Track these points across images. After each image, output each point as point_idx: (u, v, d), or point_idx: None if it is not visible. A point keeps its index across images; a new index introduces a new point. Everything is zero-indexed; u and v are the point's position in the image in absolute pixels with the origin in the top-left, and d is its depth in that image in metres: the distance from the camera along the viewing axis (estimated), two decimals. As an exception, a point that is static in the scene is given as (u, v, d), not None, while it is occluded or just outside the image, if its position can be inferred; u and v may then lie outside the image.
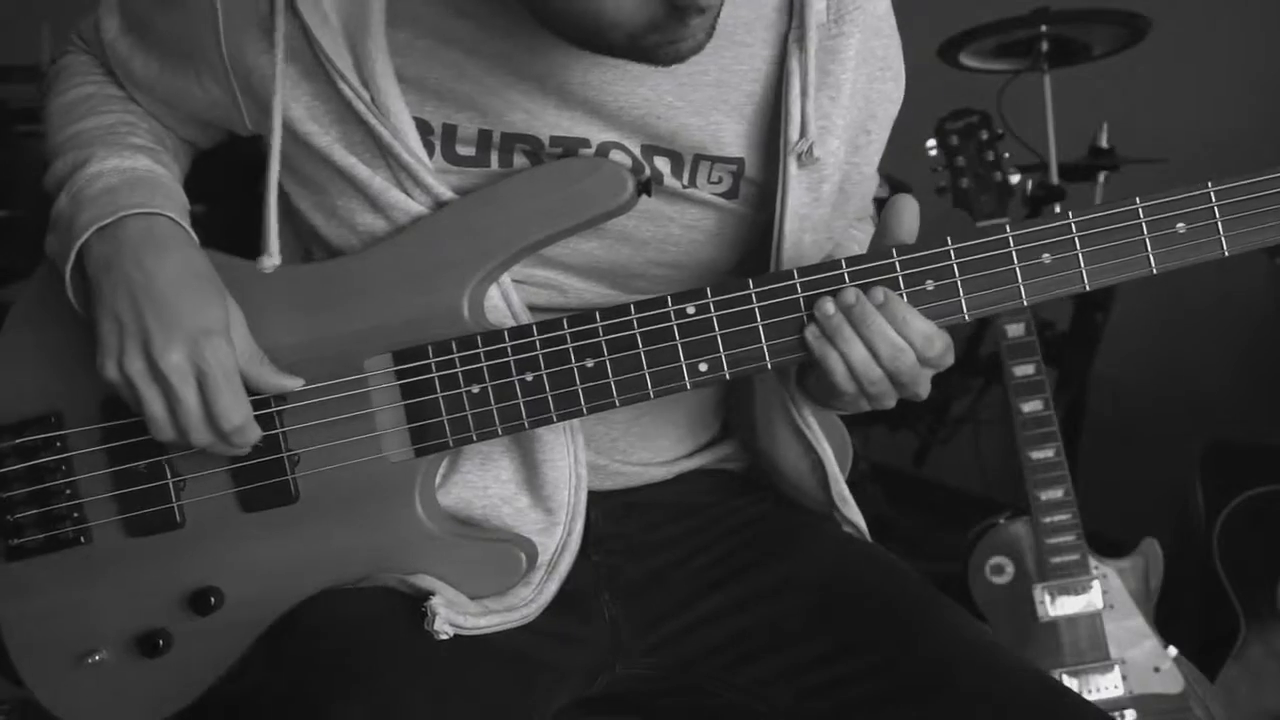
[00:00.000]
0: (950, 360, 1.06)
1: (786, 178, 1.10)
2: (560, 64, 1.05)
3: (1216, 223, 1.02)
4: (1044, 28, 2.74)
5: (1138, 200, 1.02)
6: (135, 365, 1.04)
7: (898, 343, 1.03)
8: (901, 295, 1.03)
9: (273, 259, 1.11)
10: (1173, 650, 2.01)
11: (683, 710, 1.19)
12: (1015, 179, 2.09)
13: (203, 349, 1.04)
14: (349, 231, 1.11)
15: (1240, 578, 2.13)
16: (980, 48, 2.85)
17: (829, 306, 1.03)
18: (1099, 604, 2.02)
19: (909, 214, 1.06)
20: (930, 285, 1.04)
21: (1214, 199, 1.02)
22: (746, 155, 1.13)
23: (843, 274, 1.04)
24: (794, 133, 1.09)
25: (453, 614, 1.04)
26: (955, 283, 1.04)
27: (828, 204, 1.13)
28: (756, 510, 1.26)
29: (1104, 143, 2.87)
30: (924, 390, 1.07)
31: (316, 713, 0.97)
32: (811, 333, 1.04)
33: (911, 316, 1.03)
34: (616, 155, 1.10)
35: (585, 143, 1.09)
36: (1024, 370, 2.06)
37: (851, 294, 1.03)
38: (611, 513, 1.21)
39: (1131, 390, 3.16)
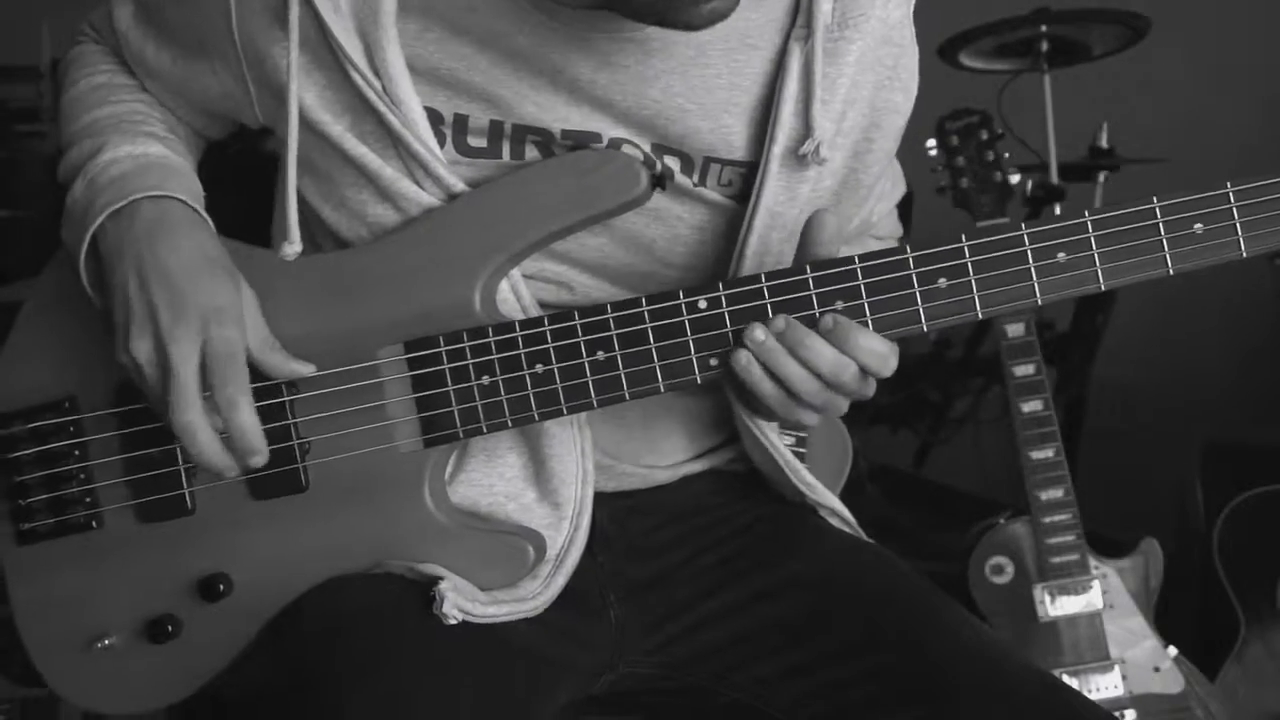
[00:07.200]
0: (890, 369, 1.04)
1: (766, 174, 1.09)
2: (569, 60, 1.05)
3: (1235, 224, 1.01)
4: (1044, 28, 2.75)
5: (1155, 200, 1.01)
6: (142, 346, 1.04)
7: (840, 360, 1.02)
8: (915, 294, 1.03)
9: (294, 246, 1.10)
10: (1173, 650, 2.01)
11: (685, 710, 1.19)
12: (1015, 179, 2.10)
13: (211, 329, 1.03)
14: (359, 223, 1.11)
15: (1240, 577, 2.13)
16: (980, 48, 2.86)
17: (759, 333, 1.02)
18: (1099, 604, 2.03)
19: (828, 229, 1.04)
20: (943, 283, 1.03)
21: (1233, 199, 1.01)
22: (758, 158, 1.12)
23: (855, 269, 1.03)
24: (780, 131, 1.08)
25: (461, 600, 1.04)
26: (969, 281, 1.02)
27: (803, 206, 1.12)
28: (759, 512, 1.25)
29: (1104, 143, 2.88)
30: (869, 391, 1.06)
31: (322, 700, 0.97)
32: (743, 358, 1.03)
33: (862, 337, 1.02)
34: (628, 150, 1.09)
35: (596, 137, 1.08)
36: (1024, 370, 2.06)
37: (781, 320, 1.02)
38: (615, 514, 1.21)
39: (1131, 390, 3.17)
